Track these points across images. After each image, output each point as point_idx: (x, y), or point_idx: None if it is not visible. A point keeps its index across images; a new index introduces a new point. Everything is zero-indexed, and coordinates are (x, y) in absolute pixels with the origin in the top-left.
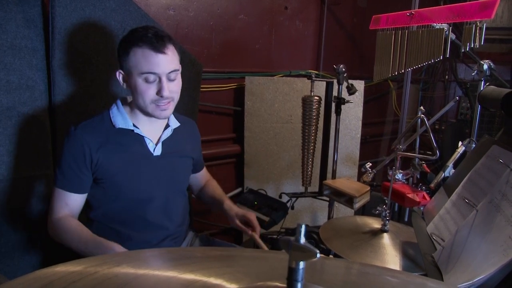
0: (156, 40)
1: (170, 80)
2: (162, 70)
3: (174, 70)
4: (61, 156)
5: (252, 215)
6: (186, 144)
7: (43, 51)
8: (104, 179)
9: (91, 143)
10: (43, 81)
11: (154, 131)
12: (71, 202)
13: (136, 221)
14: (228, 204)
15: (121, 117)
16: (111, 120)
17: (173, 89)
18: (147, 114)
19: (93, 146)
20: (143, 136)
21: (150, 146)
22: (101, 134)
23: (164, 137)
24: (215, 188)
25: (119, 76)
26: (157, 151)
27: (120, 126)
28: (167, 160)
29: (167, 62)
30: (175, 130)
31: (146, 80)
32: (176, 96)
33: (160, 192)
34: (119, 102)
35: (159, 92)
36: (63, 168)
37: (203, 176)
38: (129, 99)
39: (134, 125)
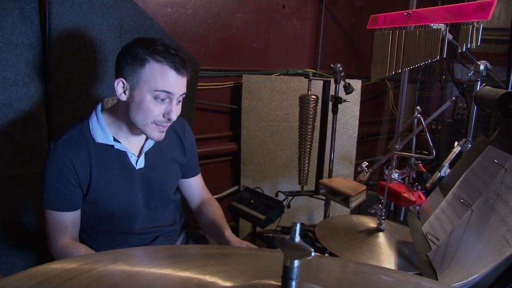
0: (179, 61)
1: (177, 103)
2: (177, 92)
3: (184, 93)
4: (45, 177)
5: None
6: (173, 149)
7: (40, 48)
8: (88, 195)
9: (73, 160)
10: (40, 78)
11: (136, 142)
12: (69, 222)
13: (125, 230)
14: (230, 233)
15: (101, 131)
16: (90, 132)
17: (178, 112)
18: (137, 131)
19: (75, 163)
20: (124, 151)
21: (133, 160)
22: (82, 150)
23: (146, 148)
24: (216, 210)
25: (119, 85)
26: (140, 164)
27: (100, 141)
28: (151, 171)
29: (183, 85)
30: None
31: (156, 98)
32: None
33: (145, 203)
34: (99, 111)
35: (167, 114)
36: (49, 189)
37: (199, 187)
38: (111, 102)
39: (114, 139)
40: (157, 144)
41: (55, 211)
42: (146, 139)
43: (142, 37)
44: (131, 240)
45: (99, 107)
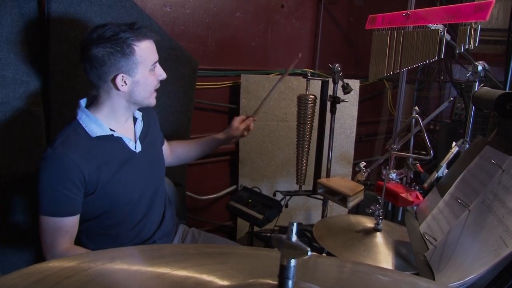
0: (148, 29)
1: None
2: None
3: None
4: (45, 182)
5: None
6: (153, 128)
7: (39, 46)
8: (94, 192)
9: (77, 160)
10: (38, 76)
11: (129, 128)
12: (69, 227)
13: (127, 220)
14: (219, 134)
15: (95, 124)
16: (84, 129)
17: None
18: (129, 114)
19: (80, 163)
20: (121, 138)
21: (131, 145)
22: (83, 148)
23: (138, 131)
24: (182, 143)
25: (118, 80)
26: (138, 148)
27: (98, 134)
28: (148, 153)
29: None
30: (142, 120)
31: (151, 70)
32: None
33: (148, 186)
34: (84, 109)
35: (159, 76)
36: (51, 195)
37: (168, 149)
38: (90, 99)
39: (110, 129)
40: (144, 128)
41: (56, 217)
42: (134, 124)
43: (96, 33)
44: (129, 236)
45: (82, 106)
